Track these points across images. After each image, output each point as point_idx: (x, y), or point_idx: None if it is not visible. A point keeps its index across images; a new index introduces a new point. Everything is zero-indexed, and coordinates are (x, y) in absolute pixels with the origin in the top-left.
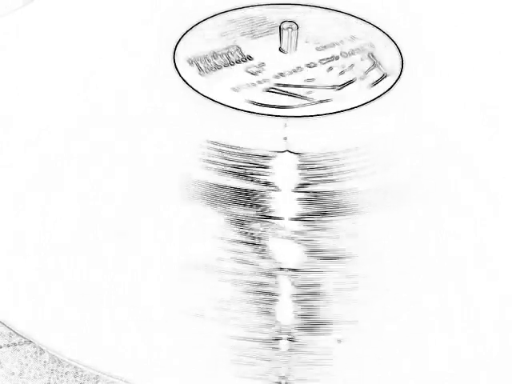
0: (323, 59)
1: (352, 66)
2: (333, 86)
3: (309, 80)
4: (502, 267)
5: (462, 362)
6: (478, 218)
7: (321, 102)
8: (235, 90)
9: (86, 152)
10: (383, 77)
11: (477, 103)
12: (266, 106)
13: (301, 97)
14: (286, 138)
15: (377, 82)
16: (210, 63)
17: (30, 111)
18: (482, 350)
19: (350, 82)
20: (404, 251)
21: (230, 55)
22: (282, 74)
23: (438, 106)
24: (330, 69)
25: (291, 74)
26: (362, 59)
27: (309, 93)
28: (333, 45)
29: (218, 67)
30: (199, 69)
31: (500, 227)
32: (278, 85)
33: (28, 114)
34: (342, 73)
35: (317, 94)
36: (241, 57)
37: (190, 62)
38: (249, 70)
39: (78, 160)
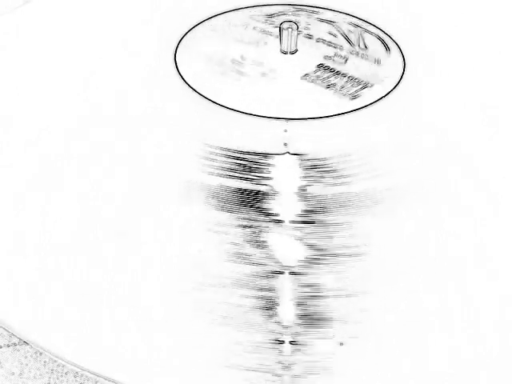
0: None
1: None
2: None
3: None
4: (502, 267)
5: (462, 362)
6: (478, 217)
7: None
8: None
9: (85, 152)
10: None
11: (477, 103)
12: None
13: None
14: (286, 144)
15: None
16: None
17: (30, 111)
18: (482, 349)
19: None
20: (404, 251)
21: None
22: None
23: (437, 107)
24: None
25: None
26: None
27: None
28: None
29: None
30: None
31: (500, 227)
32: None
33: (28, 113)
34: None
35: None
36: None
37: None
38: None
39: (78, 160)
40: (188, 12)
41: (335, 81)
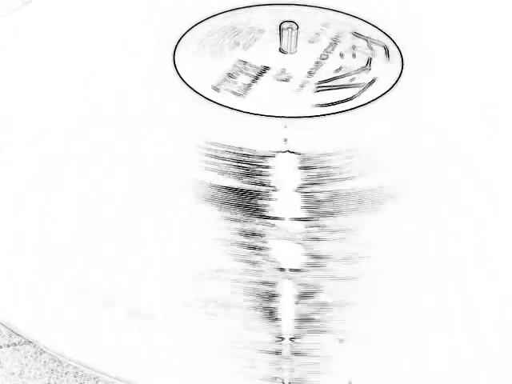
0: (327, 49)
1: (354, 47)
2: (363, 68)
3: (338, 70)
4: (502, 267)
5: (461, 362)
6: (478, 217)
7: (370, 84)
8: (291, 99)
9: (86, 152)
10: (386, 48)
11: (477, 103)
12: (333, 104)
13: (350, 86)
14: (286, 140)
15: (387, 54)
16: (237, 84)
17: (30, 111)
18: (482, 350)
19: (370, 60)
20: (404, 251)
21: (247, 70)
22: (311, 73)
23: (438, 106)
24: (342, 55)
25: (317, 69)
26: (353, 39)
27: (352, 80)
28: (318, 35)
29: (248, 86)
30: (234, 93)
31: (500, 227)
32: (320, 82)
33: (28, 114)
34: (354, 56)
35: (359, 79)
36: (258, 69)
37: (217, 90)
38: (278, 78)
39: (78, 160)
40: (188, 12)
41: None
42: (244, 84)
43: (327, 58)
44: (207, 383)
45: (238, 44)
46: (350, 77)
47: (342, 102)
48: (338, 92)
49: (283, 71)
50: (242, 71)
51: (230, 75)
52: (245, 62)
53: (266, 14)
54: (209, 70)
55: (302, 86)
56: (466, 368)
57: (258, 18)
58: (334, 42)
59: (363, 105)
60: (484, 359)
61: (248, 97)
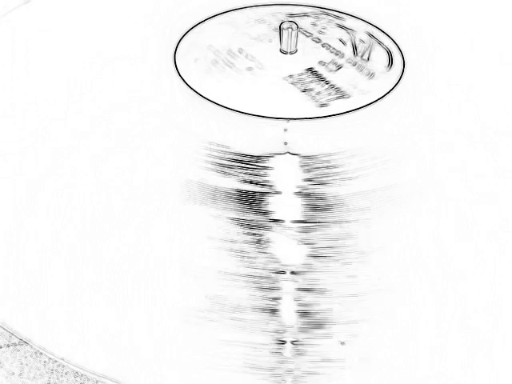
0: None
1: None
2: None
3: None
4: (501, 267)
5: (462, 361)
6: (478, 218)
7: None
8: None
9: (86, 152)
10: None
11: (477, 103)
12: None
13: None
14: (286, 143)
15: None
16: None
17: (30, 111)
18: (482, 350)
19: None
20: (405, 251)
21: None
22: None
23: (437, 106)
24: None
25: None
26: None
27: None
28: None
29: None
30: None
31: (500, 227)
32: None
33: (28, 114)
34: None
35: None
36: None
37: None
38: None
39: (79, 160)
40: (188, 12)
41: (314, 86)
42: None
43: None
44: None
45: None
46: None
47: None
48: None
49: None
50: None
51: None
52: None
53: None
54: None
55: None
56: (466, 368)
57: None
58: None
59: (363, 106)
60: (483, 359)
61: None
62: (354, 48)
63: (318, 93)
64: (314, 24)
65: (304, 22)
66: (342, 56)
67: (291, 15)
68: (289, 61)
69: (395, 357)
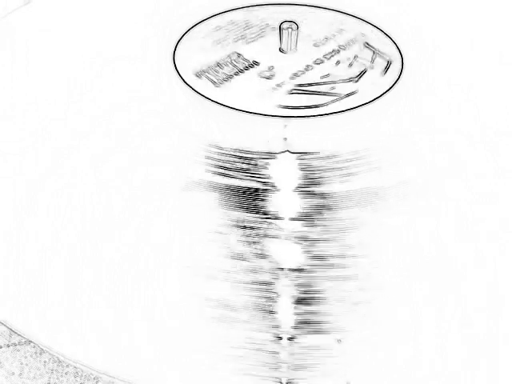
0: (326, 54)
1: (356, 57)
2: (350, 79)
3: (324, 76)
4: (501, 267)
5: (462, 362)
6: (478, 218)
7: (348, 95)
8: (261, 96)
9: (86, 152)
10: (389, 63)
11: (477, 103)
12: (297, 108)
13: (327, 94)
14: (285, 139)
15: (386, 69)
16: (219, 74)
17: (30, 112)
18: (482, 350)
19: (364, 72)
20: (404, 251)
21: (235, 63)
22: (296, 75)
23: (437, 106)
24: (338, 63)
25: (304, 73)
26: (361, 49)
27: (332, 88)
28: (326, 39)
29: (229, 77)
30: (211, 81)
31: (500, 227)
32: (299, 85)
33: (28, 114)
34: (350, 65)
35: (340, 89)
36: (247, 63)
37: (199, 76)
38: (262, 75)
39: (79, 160)
40: (188, 12)
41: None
42: (225, 75)
43: (322, 62)
44: (206, 382)
45: (243, 38)
46: (331, 85)
47: (308, 107)
48: (310, 97)
49: (270, 69)
50: (231, 63)
51: (218, 64)
52: (239, 55)
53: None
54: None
55: (278, 86)
56: (466, 368)
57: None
58: (339, 49)
59: (363, 105)
60: (483, 359)
61: (223, 87)
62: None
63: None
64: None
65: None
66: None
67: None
68: (289, 60)
69: (395, 357)
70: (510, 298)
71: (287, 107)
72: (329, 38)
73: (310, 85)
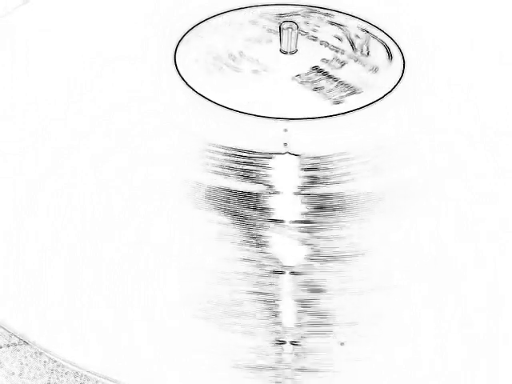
0: (328, 44)
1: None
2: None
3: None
4: (501, 267)
5: (461, 362)
6: (478, 218)
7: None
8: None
9: (86, 152)
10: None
11: (477, 103)
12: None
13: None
14: (286, 144)
15: (390, 55)
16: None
17: (30, 111)
18: (482, 350)
19: (368, 46)
20: (404, 252)
21: (238, 63)
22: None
23: (437, 106)
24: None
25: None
26: (358, 37)
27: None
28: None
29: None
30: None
31: (500, 227)
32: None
33: (28, 114)
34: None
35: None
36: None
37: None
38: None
39: (79, 160)
40: (188, 13)
41: (324, 84)
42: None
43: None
44: (206, 383)
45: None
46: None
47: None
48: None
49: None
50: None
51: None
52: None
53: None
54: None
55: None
56: (466, 368)
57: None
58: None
59: (363, 107)
60: (483, 359)
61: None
62: (352, 44)
63: (330, 90)
64: (307, 23)
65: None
66: (343, 52)
67: (281, 15)
68: (290, 60)
69: (395, 357)
70: (510, 298)
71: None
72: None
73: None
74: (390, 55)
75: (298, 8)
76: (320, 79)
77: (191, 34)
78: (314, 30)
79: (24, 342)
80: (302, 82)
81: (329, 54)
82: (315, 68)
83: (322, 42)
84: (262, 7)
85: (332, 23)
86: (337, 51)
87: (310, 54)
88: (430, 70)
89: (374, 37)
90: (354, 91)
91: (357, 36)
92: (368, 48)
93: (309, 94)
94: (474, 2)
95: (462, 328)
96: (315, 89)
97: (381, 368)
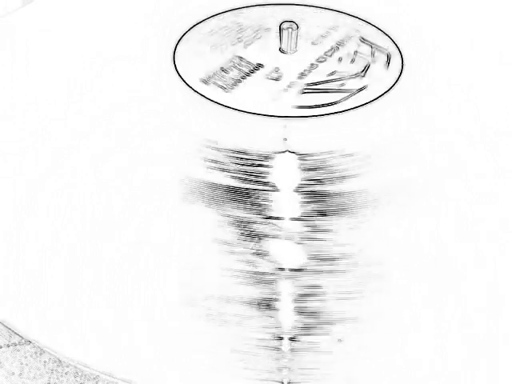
0: (327, 52)
1: (356, 52)
2: (356, 74)
3: (331, 74)
4: (501, 267)
5: (461, 362)
6: (478, 218)
7: (359, 90)
8: (275, 99)
9: (86, 152)
10: (389, 56)
11: (477, 103)
12: (315, 107)
13: (338, 90)
14: (285, 139)
15: (388, 61)
16: (226, 79)
17: (30, 111)
18: (482, 350)
19: (368, 66)
20: (403, 251)
21: (239, 66)
22: (303, 74)
23: (437, 106)
24: (340, 59)
25: (310, 72)
26: (358, 45)
27: (342, 85)
28: (323, 37)
29: (237, 81)
30: (220, 87)
31: (500, 227)
32: (309, 84)
33: (28, 114)
34: (353, 61)
35: (350, 85)
36: (251, 66)
37: (206, 82)
38: (269, 77)
39: (79, 160)
40: (188, 13)
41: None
42: (233, 79)
43: (324, 60)
44: (206, 382)
45: (240, 41)
46: (341, 82)
47: (325, 105)
48: (323, 95)
49: (276, 70)
50: (235, 67)
51: (222, 69)
52: (241, 58)
53: (270, 13)
54: (208, 67)
55: (289, 87)
56: (466, 368)
57: (262, 17)
58: (338, 45)
59: (362, 105)
60: (482, 359)
61: (233, 92)
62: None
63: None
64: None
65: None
66: (339, 50)
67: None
68: (290, 60)
69: (395, 357)
70: (510, 298)
71: (304, 107)
72: (325, 35)
73: (318, 83)
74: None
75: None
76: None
77: (191, 34)
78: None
79: (24, 341)
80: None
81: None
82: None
83: (326, 53)
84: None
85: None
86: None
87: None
88: (429, 69)
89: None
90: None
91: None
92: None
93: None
94: (474, 2)
95: (462, 328)
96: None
97: (381, 368)
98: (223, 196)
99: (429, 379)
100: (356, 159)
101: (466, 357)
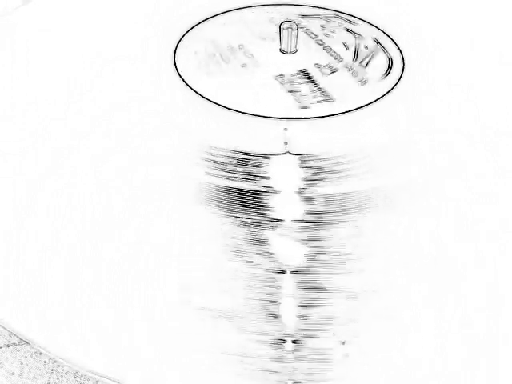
0: (330, 50)
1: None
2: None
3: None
4: (501, 267)
5: (461, 361)
6: (478, 218)
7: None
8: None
9: (86, 152)
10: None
11: (477, 103)
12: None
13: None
14: (286, 143)
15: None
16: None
17: (30, 111)
18: (482, 350)
19: (371, 55)
20: (404, 251)
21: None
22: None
23: (437, 106)
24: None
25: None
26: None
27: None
28: (323, 37)
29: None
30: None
31: (500, 227)
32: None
33: (28, 114)
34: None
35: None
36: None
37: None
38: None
39: (79, 160)
40: (188, 13)
41: (302, 88)
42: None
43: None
44: (206, 383)
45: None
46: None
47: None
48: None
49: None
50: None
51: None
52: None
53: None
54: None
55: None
56: (465, 368)
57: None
58: (336, 56)
59: (363, 106)
60: (482, 360)
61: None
62: (356, 53)
63: (304, 94)
64: (323, 27)
65: (313, 24)
66: (341, 60)
67: (303, 16)
68: (286, 61)
69: (395, 357)
70: (510, 298)
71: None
72: (325, 36)
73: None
74: (388, 69)
75: (322, 11)
76: (301, 83)
77: (191, 34)
78: (327, 35)
79: (24, 341)
80: (282, 83)
81: (325, 59)
82: (303, 71)
83: (325, 48)
84: (282, 6)
85: (348, 30)
86: (335, 58)
87: (308, 56)
88: (429, 69)
89: (384, 50)
90: (326, 100)
91: (365, 46)
92: (369, 60)
93: (283, 95)
94: (474, 2)
95: (462, 328)
96: (290, 91)
97: (381, 368)
98: (223, 197)
99: (429, 379)
100: (356, 160)
101: (466, 357)
